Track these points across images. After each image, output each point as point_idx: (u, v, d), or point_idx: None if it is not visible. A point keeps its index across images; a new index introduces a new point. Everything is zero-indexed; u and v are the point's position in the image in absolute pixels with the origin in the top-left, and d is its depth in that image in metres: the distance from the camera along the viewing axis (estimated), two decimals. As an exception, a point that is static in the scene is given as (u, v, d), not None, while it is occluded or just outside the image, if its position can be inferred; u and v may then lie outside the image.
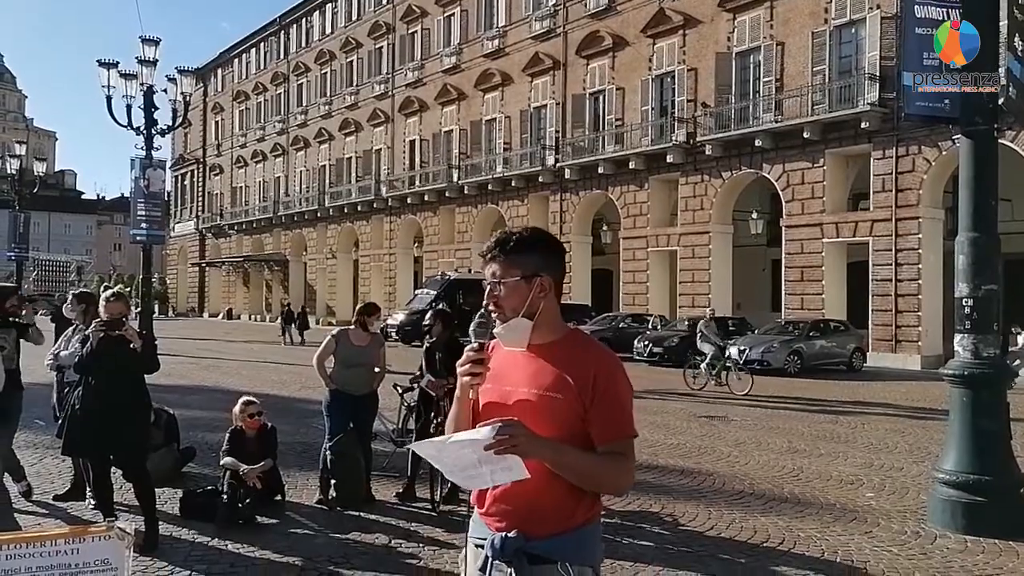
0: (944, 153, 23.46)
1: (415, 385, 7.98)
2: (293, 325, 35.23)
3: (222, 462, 7.09)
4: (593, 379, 2.23)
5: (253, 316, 60.25)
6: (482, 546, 2.29)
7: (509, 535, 2.23)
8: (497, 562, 2.24)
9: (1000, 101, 6.82)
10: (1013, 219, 22.83)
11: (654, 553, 6.01)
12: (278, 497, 7.28)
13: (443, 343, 7.61)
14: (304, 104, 56.43)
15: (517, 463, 2.10)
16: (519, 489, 2.19)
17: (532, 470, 2.13)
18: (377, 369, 7.53)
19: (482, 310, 2.58)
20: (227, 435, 7.29)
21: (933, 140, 23.92)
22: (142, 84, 19.18)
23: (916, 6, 7.02)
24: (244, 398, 7.60)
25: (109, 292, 6.08)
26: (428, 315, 8.41)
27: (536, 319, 2.30)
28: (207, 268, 68.17)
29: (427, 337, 7.95)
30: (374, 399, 7.65)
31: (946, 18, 6.81)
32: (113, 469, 6.19)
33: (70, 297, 7.47)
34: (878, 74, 25.29)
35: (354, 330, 7.56)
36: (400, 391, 8.90)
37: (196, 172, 71.32)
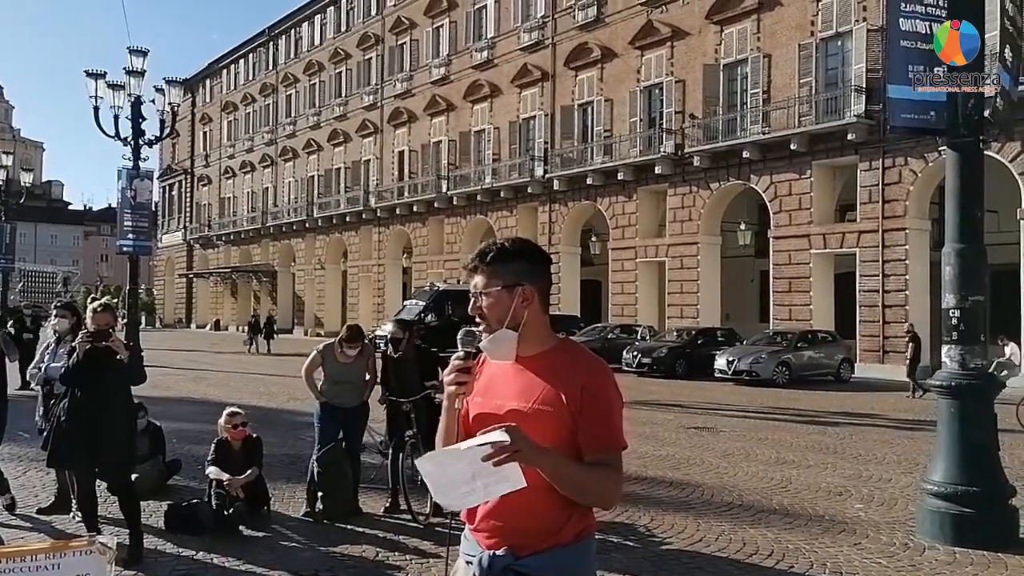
0: (930, 164, 23.58)
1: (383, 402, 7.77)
2: (260, 335, 37.39)
3: (207, 471, 7.07)
4: (582, 390, 2.18)
5: (241, 327, 59.82)
6: (472, 563, 2.24)
7: (497, 553, 2.18)
8: None
9: (987, 112, 6.86)
10: (999, 230, 22.91)
11: (642, 565, 5.99)
12: (264, 509, 7.25)
13: (412, 352, 7.48)
14: (292, 115, 56.35)
15: (514, 471, 2.02)
16: (508, 504, 2.13)
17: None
18: (368, 376, 7.52)
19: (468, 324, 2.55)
20: (213, 446, 7.28)
21: (919, 151, 24.03)
22: (130, 95, 19.13)
23: (901, 19, 7.06)
24: (229, 409, 7.58)
25: (96, 303, 6.04)
26: (391, 327, 8.18)
27: (521, 330, 2.24)
28: (194, 279, 67.89)
29: (389, 349, 7.61)
30: (364, 410, 7.62)
31: (931, 31, 6.86)
32: (98, 482, 6.13)
33: (53, 310, 7.42)
34: (864, 86, 25.44)
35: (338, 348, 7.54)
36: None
37: (184, 183, 71.09)
